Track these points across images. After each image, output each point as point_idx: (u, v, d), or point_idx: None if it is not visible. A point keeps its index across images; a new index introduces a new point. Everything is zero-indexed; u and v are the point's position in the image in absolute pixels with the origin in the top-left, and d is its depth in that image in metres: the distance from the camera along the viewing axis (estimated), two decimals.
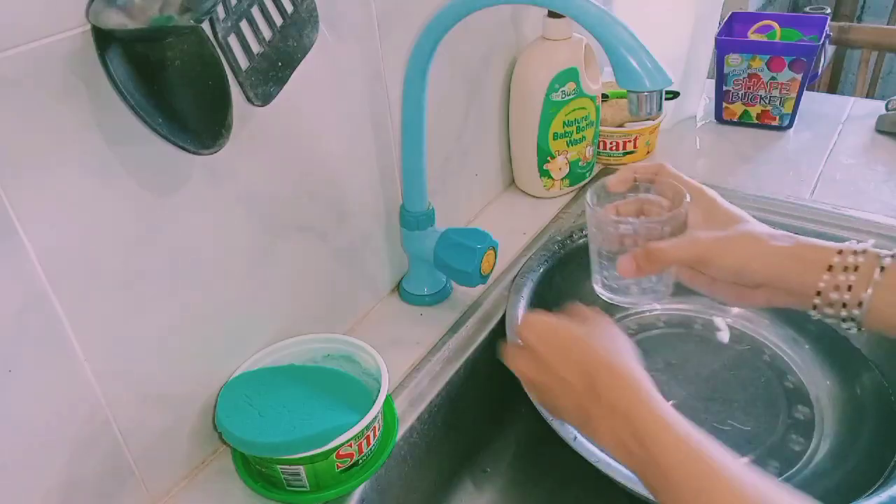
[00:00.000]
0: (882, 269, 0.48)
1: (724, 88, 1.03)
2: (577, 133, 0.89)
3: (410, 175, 0.69)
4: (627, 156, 0.98)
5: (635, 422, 0.44)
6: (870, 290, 0.48)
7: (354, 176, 0.68)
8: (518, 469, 0.75)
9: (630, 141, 0.96)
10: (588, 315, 0.53)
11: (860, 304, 0.49)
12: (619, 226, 0.57)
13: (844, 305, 0.49)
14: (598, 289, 0.62)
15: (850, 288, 0.49)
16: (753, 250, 0.52)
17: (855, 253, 0.50)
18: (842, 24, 1.60)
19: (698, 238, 0.54)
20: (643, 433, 0.43)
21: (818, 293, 0.50)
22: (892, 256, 0.49)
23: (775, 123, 1.03)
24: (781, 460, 0.67)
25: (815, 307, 0.51)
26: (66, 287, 0.46)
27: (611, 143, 0.97)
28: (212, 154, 0.47)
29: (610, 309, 0.69)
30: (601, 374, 0.47)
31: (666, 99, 0.86)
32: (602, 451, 0.55)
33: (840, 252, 0.50)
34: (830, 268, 0.50)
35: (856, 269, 0.49)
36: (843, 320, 0.50)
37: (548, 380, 0.50)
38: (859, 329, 0.50)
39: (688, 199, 0.56)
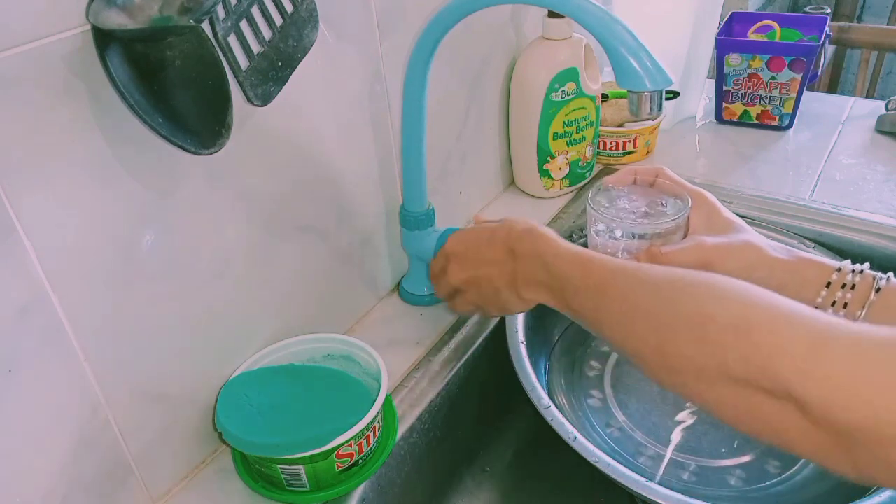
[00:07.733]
0: (878, 290, 0.49)
1: (724, 88, 1.03)
2: (577, 133, 0.89)
3: (410, 175, 0.69)
4: (627, 156, 0.98)
5: (544, 256, 0.51)
6: (865, 310, 0.48)
7: (354, 176, 0.68)
8: (518, 469, 0.75)
9: (630, 141, 0.96)
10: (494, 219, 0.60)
11: None
12: (621, 227, 0.56)
13: None
14: None
15: (845, 305, 0.49)
16: (756, 259, 0.52)
17: (853, 272, 0.50)
18: (842, 24, 1.60)
19: (703, 243, 0.54)
20: (550, 263, 0.50)
21: (815, 308, 0.50)
22: (888, 279, 0.49)
23: (775, 123, 1.03)
24: (782, 460, 0.67)
25: None
26: (66, 287, 0.46)
27: (611, 143, 0.97)
28: (212, 154, 0.46)
29: None
30: (523, 238, 0.53)
31: (666, 99, 0.86)
32: (594, 448, 0.55)
33: (839, 270, 0.50)
34: (829, 284, 0.50)
35: (853, 287, 0.49)
36: None
37: (477, 272, 0.56)
38: None
39: (689, 203, 0.56)
